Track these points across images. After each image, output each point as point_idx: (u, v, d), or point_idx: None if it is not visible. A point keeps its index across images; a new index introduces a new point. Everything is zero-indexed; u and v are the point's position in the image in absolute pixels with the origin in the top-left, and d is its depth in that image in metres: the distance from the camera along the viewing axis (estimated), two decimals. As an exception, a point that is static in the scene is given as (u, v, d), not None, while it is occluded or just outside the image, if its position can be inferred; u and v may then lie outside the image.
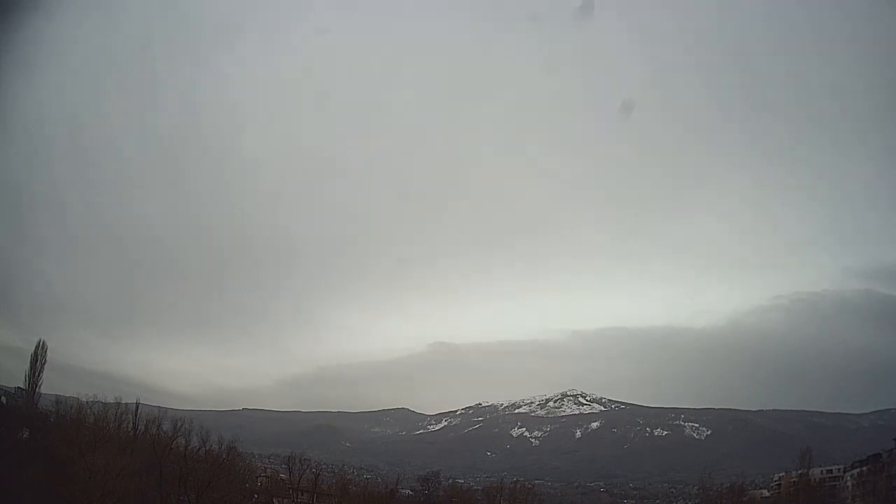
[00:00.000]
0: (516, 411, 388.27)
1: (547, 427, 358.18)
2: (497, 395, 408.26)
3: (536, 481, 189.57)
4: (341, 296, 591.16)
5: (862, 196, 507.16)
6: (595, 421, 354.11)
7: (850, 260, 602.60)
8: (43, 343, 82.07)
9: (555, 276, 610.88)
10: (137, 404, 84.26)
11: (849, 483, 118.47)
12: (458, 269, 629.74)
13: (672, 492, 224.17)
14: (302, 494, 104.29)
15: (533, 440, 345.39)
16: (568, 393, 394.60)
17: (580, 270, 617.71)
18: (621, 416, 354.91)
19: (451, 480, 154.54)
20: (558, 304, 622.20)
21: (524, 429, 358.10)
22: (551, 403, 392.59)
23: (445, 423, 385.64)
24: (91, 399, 79.91)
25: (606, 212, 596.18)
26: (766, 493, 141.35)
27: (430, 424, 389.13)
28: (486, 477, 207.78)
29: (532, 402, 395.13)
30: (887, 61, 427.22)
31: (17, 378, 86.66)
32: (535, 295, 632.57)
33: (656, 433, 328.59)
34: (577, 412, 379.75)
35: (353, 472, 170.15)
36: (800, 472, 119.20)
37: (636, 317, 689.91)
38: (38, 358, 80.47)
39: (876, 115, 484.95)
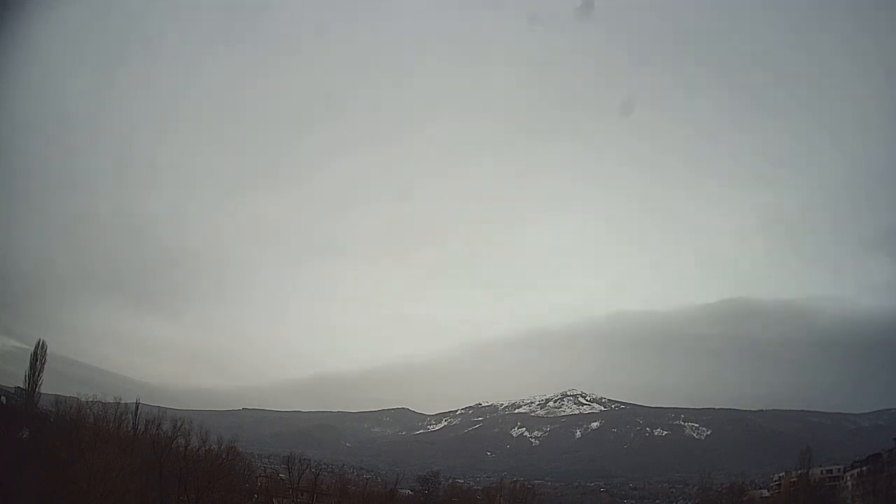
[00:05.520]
0: (516, 411, 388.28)
1: (547, 427, 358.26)
2: (497, 395, 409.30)
3: (536, 481, 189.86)
4: (342, 295, 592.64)
5: (849, 199, 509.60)
6: (595, 421, 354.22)
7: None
8: (43, 343, 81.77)
9: (552, 265, 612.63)
10: (137, 404, 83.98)
11: (849, 483, 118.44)
12: (456, 265, 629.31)
13: (672, 492, 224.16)
14: (302, 494, 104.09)
15: (533, 440, 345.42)
16: (568, 393, 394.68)
17: (579, 259, 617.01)
18: (621, 416, 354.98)
19: (451, 480, 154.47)
20: (558, 292, 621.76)
21: (524, 429, 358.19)
22: (551, 403, 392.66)
23: (445, 423, 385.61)
24: (91, 399, 79.92)
25: (607, 207, 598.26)
26: (766, 493, 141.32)
27: (430, 424, 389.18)
28: (486, 477, 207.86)
29: (532, 402, 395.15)
30: (888, 60, 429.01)
31: (17, 378, 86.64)
32: (536, 285, 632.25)
33: (656, 433, 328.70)
34: (577, 412, 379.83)
35: (352, 471, 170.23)
36: (800, 472, 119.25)
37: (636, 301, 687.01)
38: (38, 358, 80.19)
39: (879, 112, 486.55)
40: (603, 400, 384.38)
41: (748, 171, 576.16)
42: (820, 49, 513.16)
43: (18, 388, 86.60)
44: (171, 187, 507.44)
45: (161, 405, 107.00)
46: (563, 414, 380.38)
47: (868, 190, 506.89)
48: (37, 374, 79.97)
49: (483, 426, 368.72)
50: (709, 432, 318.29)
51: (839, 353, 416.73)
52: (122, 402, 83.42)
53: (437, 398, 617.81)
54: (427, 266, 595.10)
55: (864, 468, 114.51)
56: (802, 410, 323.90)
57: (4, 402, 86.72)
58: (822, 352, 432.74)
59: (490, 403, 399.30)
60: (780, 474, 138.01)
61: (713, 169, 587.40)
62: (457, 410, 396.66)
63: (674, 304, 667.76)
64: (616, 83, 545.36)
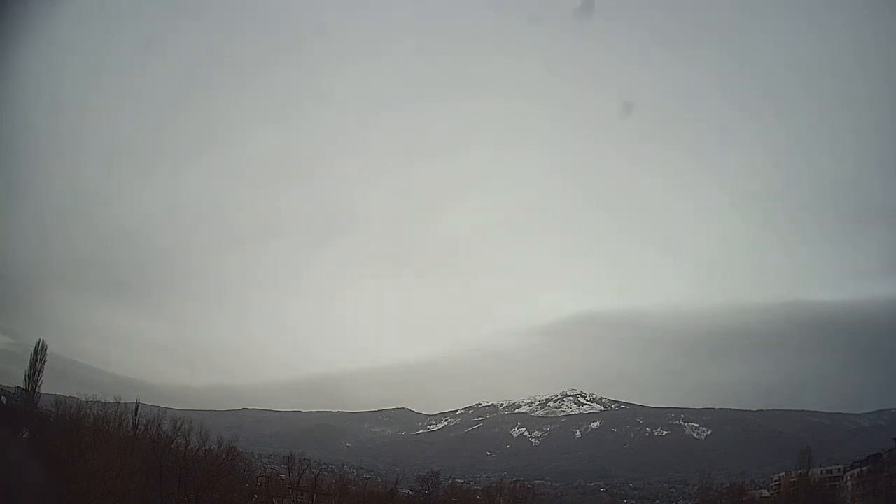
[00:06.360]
0: (516, 411, 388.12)
1: (547, 427, 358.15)
2: (497, 395, 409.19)
3: (536, 481, 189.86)
4: (343, 295, 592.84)
5: (854, 203, 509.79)
6: (595, 421, 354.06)
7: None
8: (43, 343, 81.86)
9: (552, 261, 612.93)
10: (137, 404, 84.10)
11: (849, 483, 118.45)
12: (456, 265, 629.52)
13: (672, 492, 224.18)
14: (302, 494, 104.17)
15: (533, 440, 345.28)
16: (568, 393, 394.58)
17: (579, 256, 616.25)
18: (621, 416, 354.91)
19: (451, 480, 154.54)
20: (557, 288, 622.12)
21: (524, 429, 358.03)
22: (551, 403, 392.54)
23: (445, 423, 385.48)
24: (91, 399, 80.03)
25: (606, 204, 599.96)
26: (766, 493, 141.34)
27: (430, 424, 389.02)
28: (486, 477, 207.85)
29: (532, 402, 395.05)
30: (888, 61, 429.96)
31: (17, 378, 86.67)
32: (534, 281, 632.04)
33: (656, 433, 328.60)
34: (577, 412, 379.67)
35: (352, 472, 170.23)
36: (800, 472, 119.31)
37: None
38: (38, 358, 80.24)
39: (878, 112, 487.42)
40: (603, 400, 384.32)
41: (732, 163, 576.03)
42: (812, 35, 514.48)
43: (18, 388, 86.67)
44: (122, 163, 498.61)
45: (161, 405, 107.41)
46: (563, 414, 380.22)
47: (856, 178, 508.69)
48: (37, 374, 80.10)
49: (483, 426, 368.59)
50: (709, 432, 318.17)
51: (834, 349, 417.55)
52: (122, 402, 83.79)
53: (437, 398, 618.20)
54: (427, 264, 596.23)
55: (864, 468, 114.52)
56: (802, 410, 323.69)
57: (4, 402, 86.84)
58: (816, 347, 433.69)
59: (490, 403, 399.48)
60: (780, 474, 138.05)
61: (701, 162, 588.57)
62: (457, 410, 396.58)
63: (653, 300, 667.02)
64: (608, 80, 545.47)
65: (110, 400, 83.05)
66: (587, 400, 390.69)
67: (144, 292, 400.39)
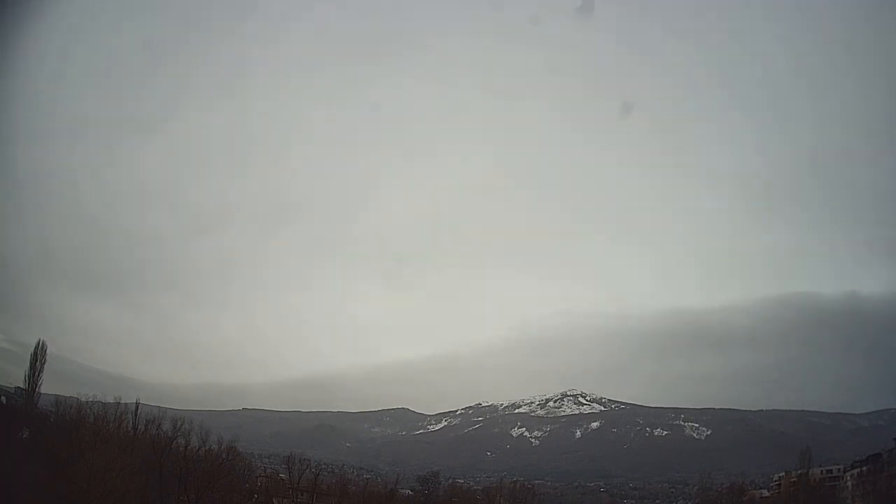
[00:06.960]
0: (516, 411, 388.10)
1: (547, 427, 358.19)
2: (497, 395, 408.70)
3: (536, 481, 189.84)
4: (343, 296, 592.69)
5: (859, 200, 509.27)
6: (595, 421, 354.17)
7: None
8: (43, 343, 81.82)
9: (552, 259, 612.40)
10: (137, 404, 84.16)
11: (849, 483, 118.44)
12: (456, 264, 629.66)
13: (672, 492, 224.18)
14: (302, 494, 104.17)
15: (533, 440, 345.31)
16: (568, 393, 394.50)
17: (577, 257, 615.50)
18: (621, 416, 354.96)
19: (451, 480, 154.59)
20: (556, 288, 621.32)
21: (524, 429, 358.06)
22: (551, 403, 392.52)
23: (445, 423, 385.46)
24: (91, 399, 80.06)
25: (605, 203, 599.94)
26: (766, 493, 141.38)
27: (430, 424, 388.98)
28: (486, 477, 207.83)
29: (532, 402, 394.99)
30: (887, 58, 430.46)
31: (17, 378, 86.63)
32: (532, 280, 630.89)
33: (656, 433, 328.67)
34: (577, 412, 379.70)
35: (352, 471, 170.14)
36: (800, 472, 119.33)
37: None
38: (37, 358, 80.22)
39: (877, 108, 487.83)
40: (603, 400, 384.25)
41: (731, 162, 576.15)
42: (810, 33, 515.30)
43: (18, 388, 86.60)
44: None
45: (161, 405, 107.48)
46: (563, 414, 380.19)
47: (855, 173, 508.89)
48: (37, 374, 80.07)
49: (483, 426, 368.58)
50: (709, 432, 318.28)
51: (834, 348, 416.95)
52: (122, 402, 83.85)
53: (437, 398, 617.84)
54: (427, 263, 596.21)
55: (864, 468, 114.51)
56: (802, 410, 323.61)
57: (4, 402, 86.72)
58: (816, 345, 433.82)
59: (490, 403, 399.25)
60: (780, 474, 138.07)
61: (701, 161, 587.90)
62: (457, 410, 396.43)
63: (651, 300, 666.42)
64: (608, 80, 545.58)
65: (110, 400, 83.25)
66: (587, 400, 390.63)
67: (144, 291, 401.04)
